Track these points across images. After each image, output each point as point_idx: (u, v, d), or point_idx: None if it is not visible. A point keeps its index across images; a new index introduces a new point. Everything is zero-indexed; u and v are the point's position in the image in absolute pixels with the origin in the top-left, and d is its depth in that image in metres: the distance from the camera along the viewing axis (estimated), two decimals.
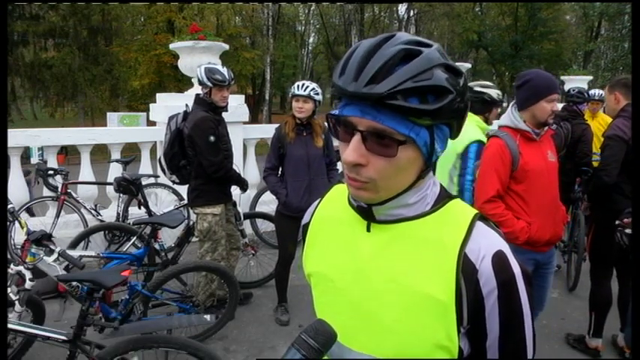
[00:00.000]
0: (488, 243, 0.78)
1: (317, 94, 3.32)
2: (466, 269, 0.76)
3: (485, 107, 3.08)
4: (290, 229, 3.43)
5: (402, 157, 0.74)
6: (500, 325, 0.77)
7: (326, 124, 0.84)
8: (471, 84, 3.16)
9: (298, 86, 3.32)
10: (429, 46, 0.74)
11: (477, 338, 0.78)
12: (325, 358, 0.76)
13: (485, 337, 0.78)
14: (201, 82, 3.37)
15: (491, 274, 0.75)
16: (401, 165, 0.75)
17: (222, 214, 3.49)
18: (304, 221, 1.01)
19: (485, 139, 2.88)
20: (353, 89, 0.72)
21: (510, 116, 2.51)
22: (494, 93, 3.09)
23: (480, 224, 0.80)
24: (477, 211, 0.82)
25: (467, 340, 0.79)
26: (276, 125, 3.70)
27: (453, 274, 0.75)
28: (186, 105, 3.52)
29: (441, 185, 0.86)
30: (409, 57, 0.72)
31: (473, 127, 2.92)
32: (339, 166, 4.97)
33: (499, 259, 0.76)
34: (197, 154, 3.34)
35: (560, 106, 3.21)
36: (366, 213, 0.83)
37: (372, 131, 0.73)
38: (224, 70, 3.38)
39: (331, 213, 0.94)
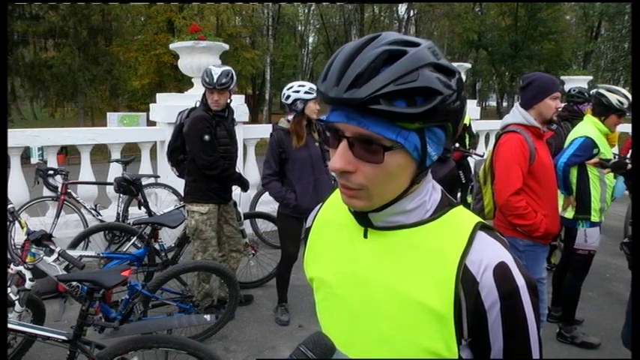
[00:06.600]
0: (490, 254, 0.75)
1: None
2: (466, 281, 0.73)
3: (602, 110, 3.14)
4: (294, 231, 3.43)
5: (391, 162, 0.71)
6: (504, 337, 0.75)
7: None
8: (599, 85, 3.28)
9: (310, 90, 3.25)
10: (416, 45, 0.70)
11: (481, 350, 0.77)
12: None
13: (489, 349, 0.76)
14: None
15: (493, 287, 0.73)
16: (390, 171, 0.72)
17: (212, 214, 3.40)
18: (307, 225, 1.00)
19: (601, 140, 3.09)
20: (334, 95, 0.70)
21: (520, 114, 2.58)
22: (614, 99, 3.09)
23: (481, 234, 0.77)
24: (479, 220, 0.79)
25: (470, 351, 0.77)
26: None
27: (452, 285, 0.73)
28: (196, 102, 3.49)
29: (442, 192, 0.83)
30: (393, 58, 0.68)
31: (588, 126, 3.13)
32: None
33: (502, 271, 0.74)
34: (190, 151, 3.36)
35: (560, 106, 3.25)
36: (363, 219, 0.81)
37: (359, 137, 0.70)
38: (216, 73, 3.18)
39: (332, 216, 0.93)
